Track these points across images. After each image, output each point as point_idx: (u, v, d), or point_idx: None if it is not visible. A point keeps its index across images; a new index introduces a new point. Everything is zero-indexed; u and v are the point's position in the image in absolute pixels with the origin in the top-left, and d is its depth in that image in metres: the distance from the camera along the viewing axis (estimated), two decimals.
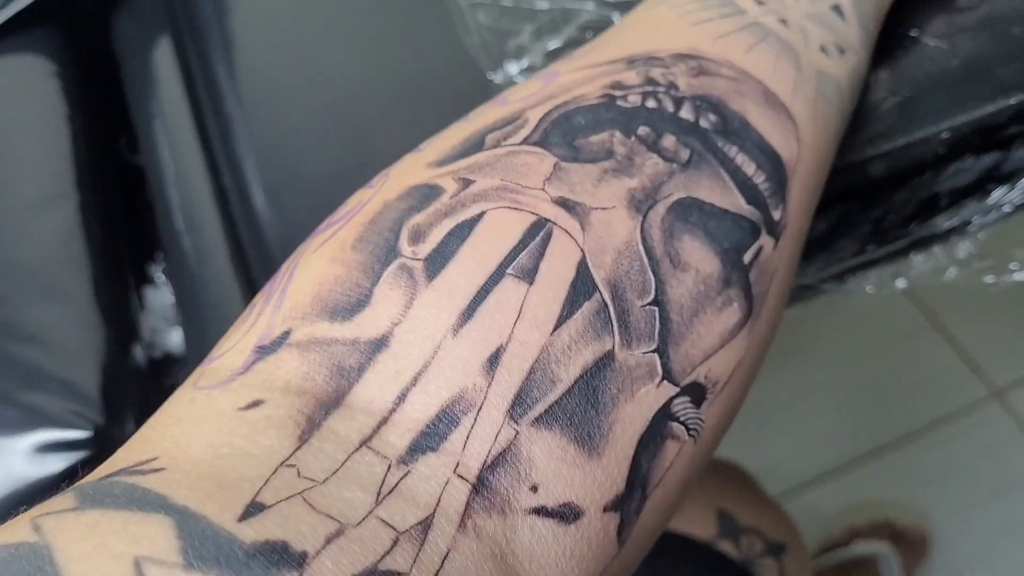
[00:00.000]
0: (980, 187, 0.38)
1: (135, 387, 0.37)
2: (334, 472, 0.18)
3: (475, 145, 0.24)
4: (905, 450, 1.15)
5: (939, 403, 1.17)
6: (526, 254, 0.21)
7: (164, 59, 0.49)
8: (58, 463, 0.33)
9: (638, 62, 0.26)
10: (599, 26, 0.38)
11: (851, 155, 0.35)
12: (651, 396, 0.21)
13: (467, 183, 0.22)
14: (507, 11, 0.40)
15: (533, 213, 0.22)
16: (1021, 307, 1.21)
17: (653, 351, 0.21)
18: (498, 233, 0.21)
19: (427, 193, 0.22)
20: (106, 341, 0.36)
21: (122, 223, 0.45)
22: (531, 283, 0.21)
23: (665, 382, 0.21)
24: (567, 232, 0.21)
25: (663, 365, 0.21)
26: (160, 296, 0.44)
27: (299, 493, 0.17)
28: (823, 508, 1.10)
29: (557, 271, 0.21)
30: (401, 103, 0.39)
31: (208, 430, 0.19)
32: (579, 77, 0.25)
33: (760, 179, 0.24)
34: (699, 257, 0.22)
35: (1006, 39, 0.36)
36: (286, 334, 0.21)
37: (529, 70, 0.38)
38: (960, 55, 0.36)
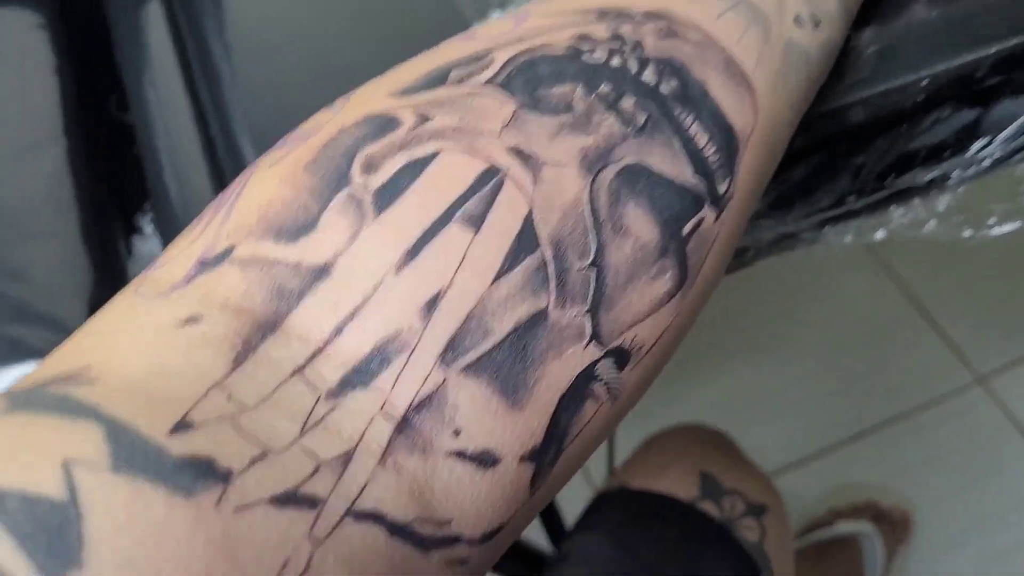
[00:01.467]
0: (959, 141, 0.39)
1: None
2: (264, 399, 0.18)
3: (438, 79, 0.24)
4: (889, 434, 1.16)
5: (924, 389, 1.19)
6: (475, 201, 0.21)
7: (154, 15, 0.49)
8: None
9: (609, 15, 0.26)
10: None
11: (831, 101, 0.35)
12: (577, 357, 0.22)
13: (425, 118, 0.22)
14: None
15: (487, 160, 0.22)
16: (1006, 294, 1.22)
17: (586, 313, 0.22)
18: (450, 176, 0.21)
19: (384, 124, 0.22)
20: (92, 280, 0.36)
21: (110, 173, 0.45)
22: (477, 231, 0.21)
23: (592, 344, 0.22)
24: (517, 184, 0.22)
25: (593, 328, 0.22)
26: (148, 246, 0.44)
27: (227, 417, 0.18)
28: (807, 491, 1.11)
29: (503, 222, 0.21)
30: (386, 51, 0.40)
31: (143, 343, 0.19)
32: (549, 23, 0.25)
33: (711, 151, 0.25)
34: (640, 224, 0.23)
35: None
36: (229, 250, 0.21)
37: None
38: (940, 6, 0.36)
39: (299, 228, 0.21)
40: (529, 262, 0.21)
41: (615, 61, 0.24)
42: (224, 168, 0.41)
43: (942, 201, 0.40)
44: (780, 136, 0.28)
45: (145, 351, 0.19)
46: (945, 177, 0.40)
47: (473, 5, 0.39)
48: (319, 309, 0.20)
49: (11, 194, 0.37)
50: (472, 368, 0.20)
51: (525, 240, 0.21)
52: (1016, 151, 0.40)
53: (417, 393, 0.20)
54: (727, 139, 0.25)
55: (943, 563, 1.05)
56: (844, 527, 1.00)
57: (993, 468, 1.12)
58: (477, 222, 0.21)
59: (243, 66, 0.42)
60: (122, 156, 0.49)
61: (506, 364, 0.21)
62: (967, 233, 0.40)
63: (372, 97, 0.24)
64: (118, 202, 0.45)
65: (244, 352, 0.19)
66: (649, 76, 0.24)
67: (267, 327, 0.19)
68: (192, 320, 0.19)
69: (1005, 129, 0.39)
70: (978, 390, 1.18)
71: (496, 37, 0.25)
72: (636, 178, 0.23)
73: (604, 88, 0.24)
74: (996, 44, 0.36)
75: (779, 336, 1.23)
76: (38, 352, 0.33)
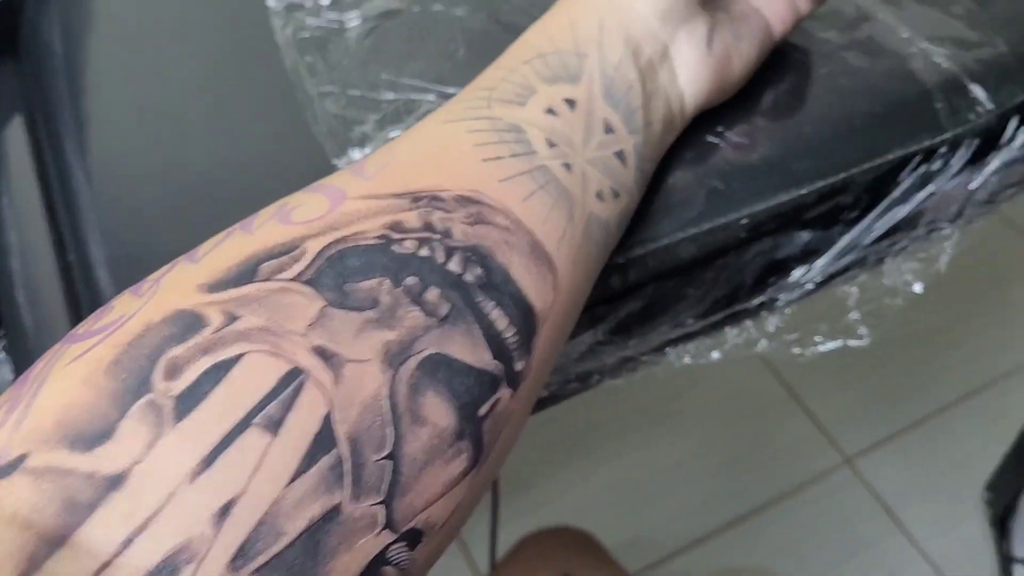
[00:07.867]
0: (781, 267, 0.42)
1: None
2: None
3: (249, 272, 0.24)
4: (766, 516, 1.20)
5: (797, 471, 1.24)
6: (275, 404, 0.22)
7: (15, 137, 0.49)
8: None
9: (422, 201, 0.26)
10: None
11: (664, 239, 0.38)
12: (369, 545, 0.22)
13: (231, 319, 0.22)
14: (354, 100, 0.42)
15: (290, 361, 0.22)
16: (870, 382, 1.29)
17: (380, 503, 0.22)
18: (252, 379, 0.22)
19: (190, 323, 0.22)
20: None
21: None
22: (275, 434, 0.21)
23: (386, 531, 0.23)
24: (318, 384, 0.22)
25: (387, 516, 0.23)
26: (0, 373, 0.43)
27: None
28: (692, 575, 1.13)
29: (302, 423, 0.22)
30: (248, 185, 0.41)
31: None
32: (363, 208, 0.26)
33: (510, 334, 0.26)
34: (438, 412, 0.24)
35: (798, 137, 0.41)
36: (22, 457, 0.20)
37: None
38: (759, 151, 0.40)
39: (96, 436, 0.21)
40: (325, 461, 0.22)
41: (423, 251, 0.25)
42: (80, 296, 0.41)
43: (772, 322, 0.43)
44: (577, 306, 0.30)
45: None
46: (773, 300, 0.43)
47: (334, 142, 0.41)
48: (110, 521, 0.20)
49: None
50: (262, 570, 0.21)
51: (322, 440, 0.22)
52: (834, 275, 0.44)
53: None
54: (526, 320, 0.26)
55: None
56: None
57: (861, 545, 1.17)
58: (276, 426, 0.21)
59: (103, 193, 0.42)
60: None
61: (298, 562, 0.21)
62: (796, 351, 0.44)
63: (181, 290, 0.23)
64: None
65: (29, 570, 0.19)
66: (455, 265, 0.25)
67: (55, 542, 0.19)
68: None
69: (823, 256, 0.43)
70: (846, 471, 1.24)
71: (310, 223, 0.25)
72: (436, 368, 0.24)
73: (410, 280, 0.24)
74: (808, 185, 0.40)
75: (659, 422, 1.26)
76: None
